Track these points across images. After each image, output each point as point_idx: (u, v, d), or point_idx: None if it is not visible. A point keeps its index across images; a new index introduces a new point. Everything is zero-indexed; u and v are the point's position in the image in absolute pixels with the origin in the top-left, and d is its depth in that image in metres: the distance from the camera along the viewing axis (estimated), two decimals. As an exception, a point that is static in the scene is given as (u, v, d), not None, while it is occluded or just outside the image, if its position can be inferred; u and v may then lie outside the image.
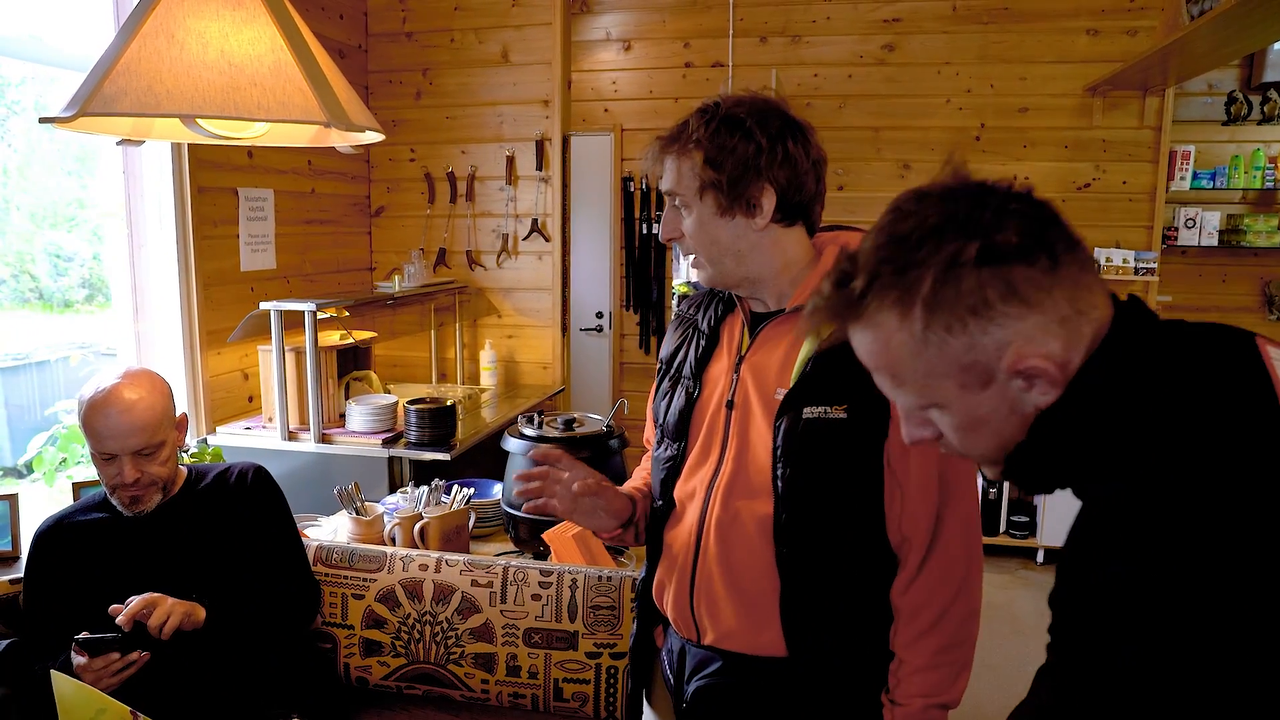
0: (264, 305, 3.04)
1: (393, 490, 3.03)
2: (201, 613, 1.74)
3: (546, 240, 4.09)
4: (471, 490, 2.57)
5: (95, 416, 1.73)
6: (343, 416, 3.20)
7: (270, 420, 3.17)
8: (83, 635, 1.61)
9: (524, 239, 4.12)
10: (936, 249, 0.79)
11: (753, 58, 4.71)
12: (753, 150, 1.26)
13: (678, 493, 1.43)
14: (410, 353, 4.33)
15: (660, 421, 1.48)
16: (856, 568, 1.32)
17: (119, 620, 1.63)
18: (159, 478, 1.81)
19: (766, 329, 1.37)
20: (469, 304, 4.18)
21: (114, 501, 1.82)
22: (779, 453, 1.29)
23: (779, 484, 1.29)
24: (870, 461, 1.28)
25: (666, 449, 1.45)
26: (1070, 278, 0.80)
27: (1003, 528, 4.53)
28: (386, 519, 2.43)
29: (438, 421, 3.03)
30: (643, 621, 1.55)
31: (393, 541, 2.37)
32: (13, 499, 2.28)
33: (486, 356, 4.10)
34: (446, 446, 3.03)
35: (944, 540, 1.28)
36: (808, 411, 1.27)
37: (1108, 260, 4.47)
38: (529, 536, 2.39)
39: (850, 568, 1.32)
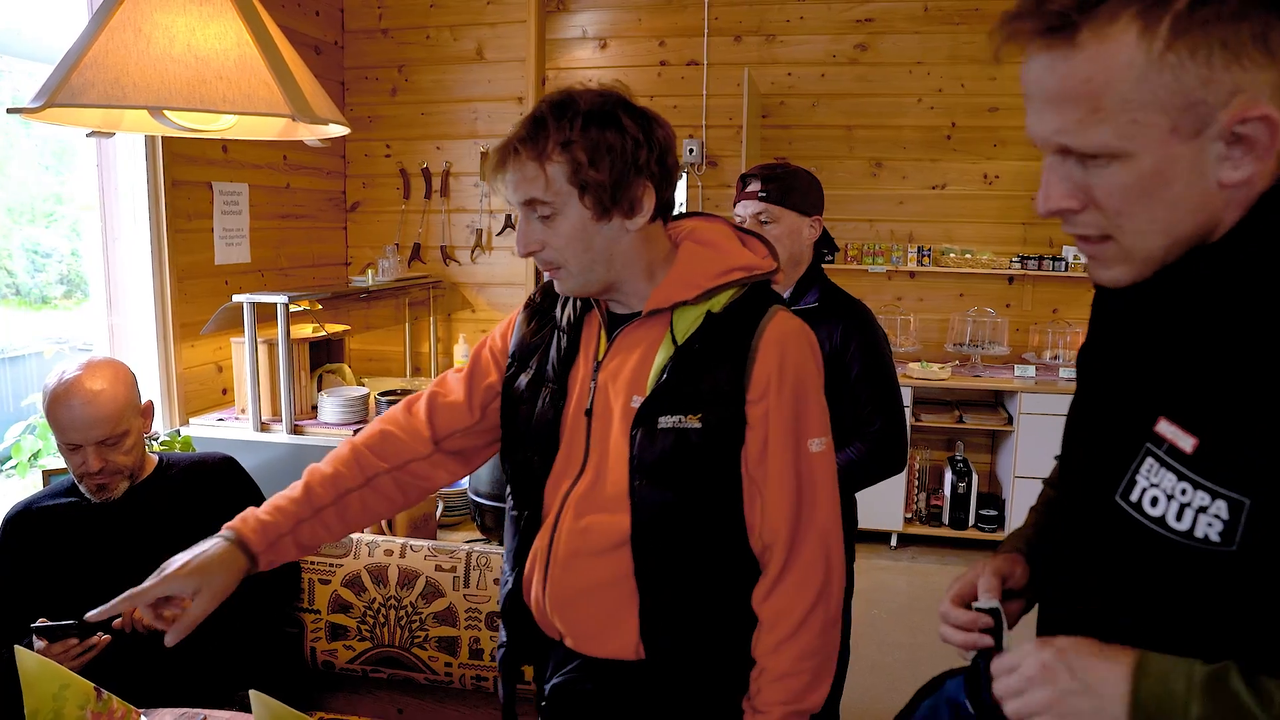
0: (237, 298, 3.07)
1: (364, 481, 3.07)
2: None
3: (521, 235, 4.13)
4: (440, 479, 2.61)
5: (58, 408, 1.76)
6: (315, 408, 3.24)
7: (243, 412, 3.20)
8: (40, 623, 1.64)
9: (498, 234, 4.16)
10: None
11: (727, 56, 4.77)
12: (631, 146, 1.18)
13: (545, 500, 1.35)
14: (385, 347, 4.36)
15: (524, 429, 1.36)
16: (718, 577, 1.29)
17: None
18: (124, 466, 1.84)
19: (623, 334, 1.30)
20: (443, 298, 4.22)
21: (82, 489, 1.85)
22: (635, 464, 1.24)
23: (635, 497, 1.24)
24: (728, 470, 1.26)
25: (530, 455, 1.35)
26: None
27: (971, 521, 4.61)
28: (355, 507, 2.46)
29: (409, 413, 3.07)
30: (511, 626, 1.44)
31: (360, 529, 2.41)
32: (-17, 486, 2.31)
33: (460, 350, 4.14)
34: (418, 438, 3.07)
35: (803, 547, 1.25)
36: (663, 421, 1.23)
37: (1075, 258, 4.55)
38: (495, 525, 2.43)
39: (711, 577, 1.29)
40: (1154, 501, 0.81)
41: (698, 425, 1.22)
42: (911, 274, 4.87)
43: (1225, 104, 0.72)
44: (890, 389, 2.20)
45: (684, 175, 4.70)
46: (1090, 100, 0.74)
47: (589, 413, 1.30)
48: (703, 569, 1.28)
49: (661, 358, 1.25)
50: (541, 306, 1.41)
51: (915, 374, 4.55)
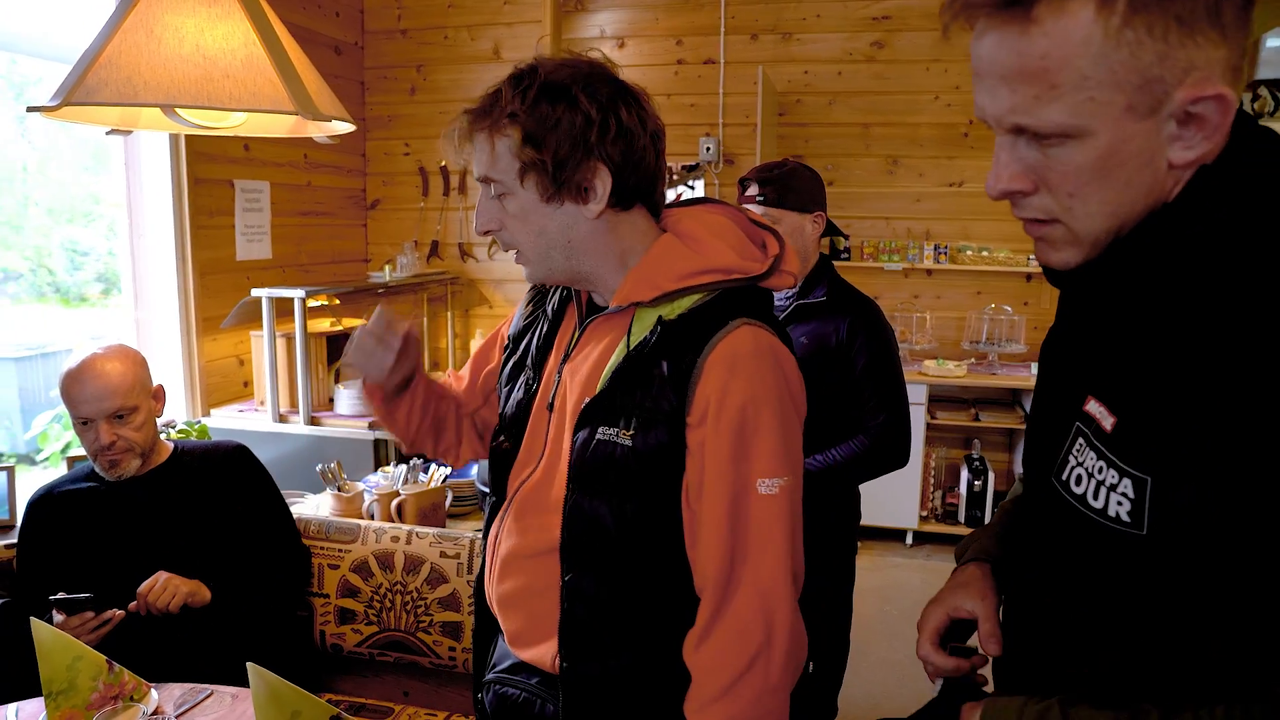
0: (255, 292, 3.14)
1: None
2: (207, 592, 1.86)
3: (537, 233, 4.19)
4: (449, 469, 2.66)
5: (72, 384, 1.87)
6: (332, 401, 3.31)
7: (262, 404, 3.28)
8: (59, 595, 1.72)
9: (515, 231, 4.22)
10: None
11: (744, 55, 4.79)
12: (581, 123, 1.07)
13: (508, 490, 1.30)
14: (404, 342, 4.43)
15: (501, 410, 1.33)
16: (651, 613, 1.18)
17: (131, 606, 1.76)
18: (134, 442, 1.92)
19: (591, 327, 1.21)
20: (461, 294, 4.28)
21: (97, 468, 1.93)
22: (571, 470, 1.15)
23: (567, 505, 1.16)
24: (665, 498, 1.13)
25: (502, 442, 1.32)
26: (1248, 29, 0.72)
27: (987, 519, 4.60)
28: (366, 496, 2.53)
29: (423, 406, 3.13)
30: (478, 609, 1.40)
31: (371, 517, 2.47)
32: (10, 470, 2.40)
33: (477, 346, 4.21)
34: (431, 430, 3.13)
35: (735, 600, 1.10)
36: (602, 431, 1.13)
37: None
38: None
39: (644, 612, 1.18)
40: (1078, 480, 0.81)
41: (628, 444, 1.11)
42: (929, 272, 4.87)
43: (1180, 82, 0.71)
44: (895, 384, 2.22)
45: (702, 173, 4.73)
46: (1046, 77, 0.72)
47: (550, 406, 1.23)
48: (635, 601, 1.17)
49: (613, 361, 1.16)
50: (542, 289, 1.35)
51: (931, 372, 4.54)
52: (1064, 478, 0.84)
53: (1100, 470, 0.79)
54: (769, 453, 1.10)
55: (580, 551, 1.16)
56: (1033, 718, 0.78)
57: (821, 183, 2.25)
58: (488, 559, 1.32)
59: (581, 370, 1.19)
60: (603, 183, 1.11)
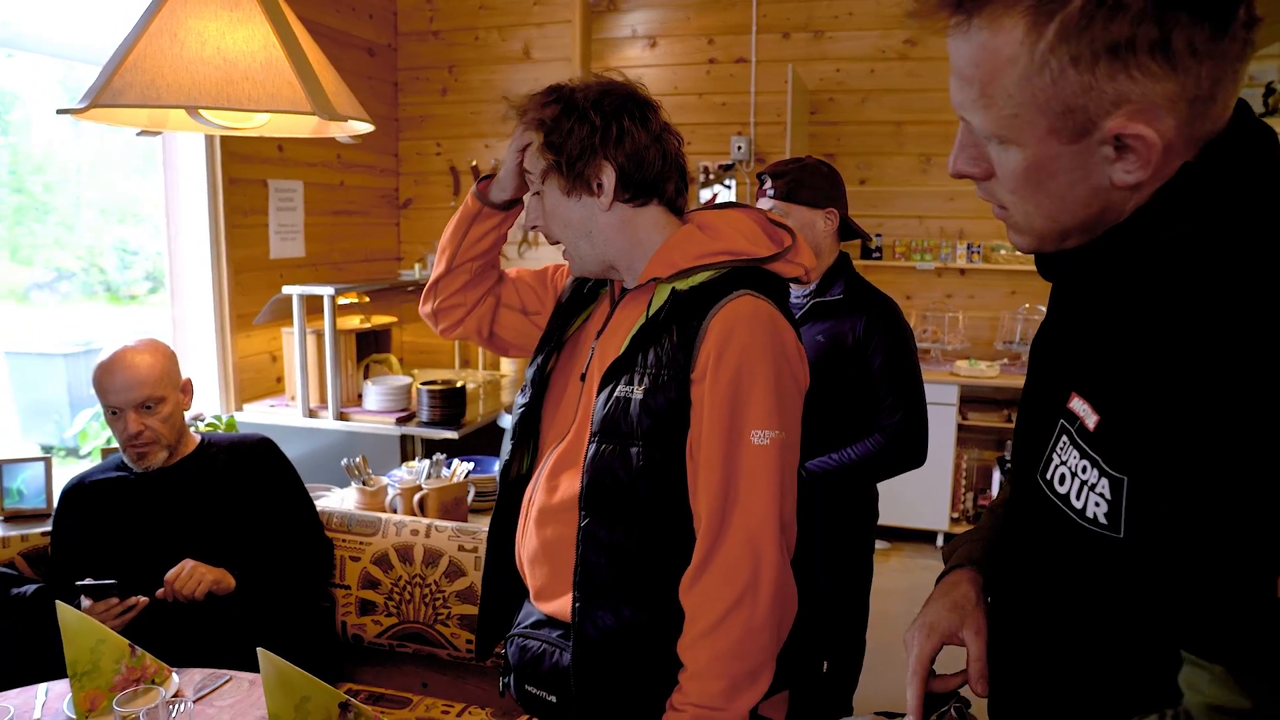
0: (286, 289, 3.21)
1: (405, 467, 3.19)
2: (231, 580, 1.91)
3: (565, 231, 4.21)
4: (472, 465, 2.70)
5: (102, 375, 1.94)
6: (360, 396, 3.37)
7: (292, 399, 3.35)
8: (85, 581, 1.77)
9: (544, 230, 4.25)
10: None
11: (775, 53, 4.78)
12: (587, 130, 1.28)
13: (540, 453, 1.45)
14: (435, 339, 4.49)
15: (529, 368, 1.49)
16: (659, 560, 1.28)
17: (159, 593, 1.83)
18: (161, 434, 1.98)
19: (620, 306, 1.39)
20: (491, 293, 4.33)
21: (125, 459, 1.99)
22: (594, 427, 1.29)
23: (586, 459, 1.29)
24: (670, 451, 1.25)
25: (524, 395, 1.47)
26: (1226, 55, 0.70)
27: (1019, 521, 4.53)
28: (390, 490, 2.57)
29: (448, 402, 3.18)
30: (490, 551, 1.52)
31: (394, 511, 2.51)
32: (47, 461, 2.48)
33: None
34: (456, 425, 3.18)
35: (725, 541, 1.21)
36: (620, 388, 1.27)
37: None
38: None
39: (652, 558, 1.28)
40: (1062, 479, 0.80)
41: (640, 397, 1.25)
42: (961, 271, 4.81)
43: (1109, 113, 0.71)
44: (912, 382, 2.20)
45: (735, 173, 4.73)
46: (979, 85, 0.74)
47: (583, 377, 1.39)
48: (644, 552, 1.28)
49: (638, 325, 1.30)
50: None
51: (963, 372, 4.49)
52: (1048, 476, 0.83)
53: (1083, 469, 0.78)
54: (762, 406, 1.22)
55: (596, 499, 1.28)
56: None
57: (839, 180, 2.24)
58: (520, 520, 1.44)
59: (611, 343, 1.36)
60: (609, 178, 1.30)
